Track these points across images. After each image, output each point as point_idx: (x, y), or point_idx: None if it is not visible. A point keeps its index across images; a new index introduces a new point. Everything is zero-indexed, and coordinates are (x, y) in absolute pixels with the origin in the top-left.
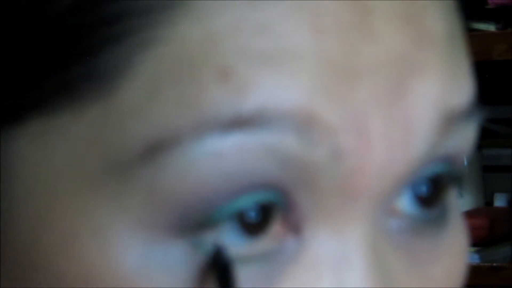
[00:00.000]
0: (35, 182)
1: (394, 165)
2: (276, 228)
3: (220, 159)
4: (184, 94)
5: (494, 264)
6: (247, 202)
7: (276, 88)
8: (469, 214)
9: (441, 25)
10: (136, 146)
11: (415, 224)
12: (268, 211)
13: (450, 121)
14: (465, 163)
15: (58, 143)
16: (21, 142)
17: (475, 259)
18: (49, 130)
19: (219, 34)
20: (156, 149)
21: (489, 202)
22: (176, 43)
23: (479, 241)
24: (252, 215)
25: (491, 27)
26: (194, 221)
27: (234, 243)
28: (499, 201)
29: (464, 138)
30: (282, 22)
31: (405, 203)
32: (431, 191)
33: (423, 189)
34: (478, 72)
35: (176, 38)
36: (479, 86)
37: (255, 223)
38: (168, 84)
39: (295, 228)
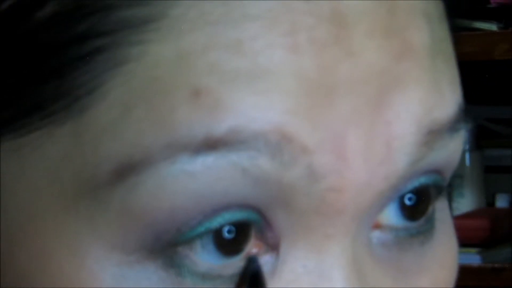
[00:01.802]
0: (9, 198)
1: (374, 181)
2: (252, 246)
3: (192, 180)
4: (155, 114)
5: (496, 265)
6: (221, 222)
7: (249, 108)
8: (471, 215)
9: (425, 37)
10: (107, 166)
11: (400, 236)
12: (243, 229)
13: (433, 134)
14: (467, 163)
15: (32, 160)
16: None
17: (476, 260)
18: (23, 147)
19: (191, 53)
20: (127, 169)
21: (490, 203)
22: (147, 62)
23: (480, 242)
24: (227, 234)
25: (492, 27)
26: (167, 241)
27: (209, 261)
28: (501, 202)
29: (450, 150)
30: (256, 40)
31: (390, 216)
32: (417, 202)
33: (408, 201)
34: (480, 72)
35: (147, 56)
36: (480, 86)
37: (230, 241)
38: (139, 103)
39: (271, 246)
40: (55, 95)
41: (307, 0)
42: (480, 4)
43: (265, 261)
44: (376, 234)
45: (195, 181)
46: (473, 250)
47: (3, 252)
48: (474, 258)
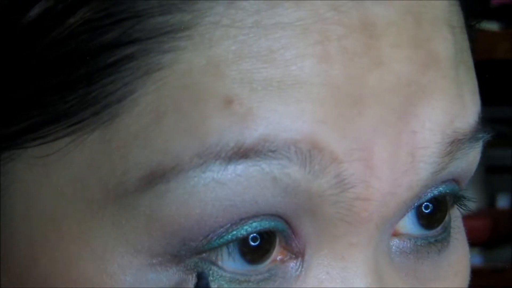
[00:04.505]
0: (34, 203)
1: (399, 191)
2: (277, 253)
3: (222, 188)
4: (187, 122)
5: (497, 266)
6: (249, 230)
7: (280, 117)
8: (471, 215)
9: (449, 47)
10: (137, 173)
11: (418, 244)
12: (269, 237)
13: (456, 144)
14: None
15: (58, 167)
16: (21, 164)
17: (477, 261)
18: (49, 154)
19: (223, 61)
20: (156, 177)
21: (491, 203)
22: (179, 69)
23: (481, 243)
24: (252, 241)
25: (494, 26)
26: (193, 248)
27: (234, 269)
28: (502, 202)
29: (469, 160)
30: (287, 49)
31: (408, 224)
32: (434, 211)
33: (425, 209)
34: (481, 71)
35: (179, 64)
36: (481, 85)
37: (256, 249)
38: (170, 111)
39: (296, 254)
40: (84, 102)
41: (337, 10)
42: (481, 4)
43: (290, 267)
44: (395, 242)
45: (225, 189)
46: (474, 250)
47: (26, 257)
48: (475, 258)
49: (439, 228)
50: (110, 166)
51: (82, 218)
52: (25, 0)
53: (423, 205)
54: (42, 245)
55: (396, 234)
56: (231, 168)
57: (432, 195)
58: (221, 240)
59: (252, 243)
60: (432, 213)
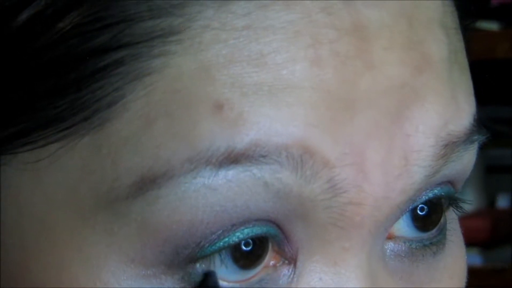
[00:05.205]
0: (26, 209)
1: (392, 195)
2: (269, 258)
3: (213, 194)
4: (177, 127)
5: (497, 266)
6: (241, 237)
7: (271, 121)
8: (472, 215)
9: (442, 49)
10: (127, 179)
11: (412, 247)
12: (261, 243)
13: (450, 146)
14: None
15: (49, 172)
16: (11, 169)
17: (477, 261)
18: (40, 159)
19: (213, 65)
20: (147, 183)
21: (491, 203)
22: (169, 74)
23: (481, 243)
24: (244, 246)
25: (493, 26)
26: (186, 256)
27: (226, 275)
28: (502, 202)
29: (464, 162)
30: (278, 53)
31: (403, 227)
32: (429, 213)
33: (420, 211)
34: (481, 71)
35: (169, 68)
36: (481, 85)
37: (248, 254)
38: (160, 116)
39: (289, 259)
40: (75, 107)
41: (328, 12)
42: (481, 4)
43: (282, 274)
44: (390, 246)
45: (216, 195)
46: (474, 250)
47: (17, 264)
48: (475, 259)
49: (434, 231)
50: (101, 172)
51: (74, 224)
52: (14, 4)
53: (418, 207)
54: (34, 251)
55: (390, 237)
56: (222, 173)
57: (427, 197)
58: (213, 247)
59: (245, 248)
60: (427, 215)
